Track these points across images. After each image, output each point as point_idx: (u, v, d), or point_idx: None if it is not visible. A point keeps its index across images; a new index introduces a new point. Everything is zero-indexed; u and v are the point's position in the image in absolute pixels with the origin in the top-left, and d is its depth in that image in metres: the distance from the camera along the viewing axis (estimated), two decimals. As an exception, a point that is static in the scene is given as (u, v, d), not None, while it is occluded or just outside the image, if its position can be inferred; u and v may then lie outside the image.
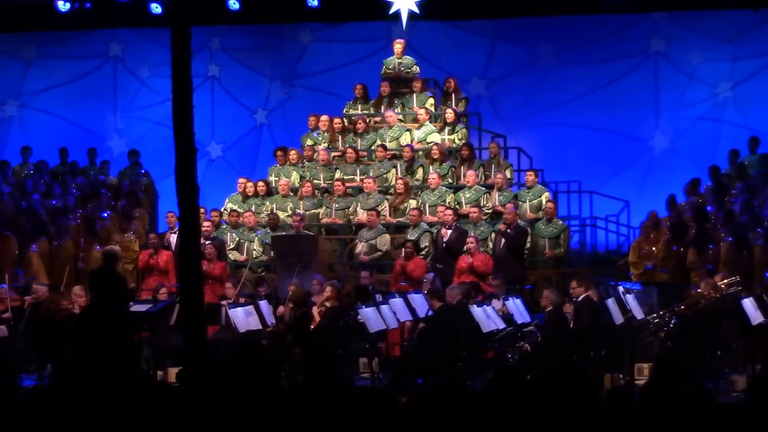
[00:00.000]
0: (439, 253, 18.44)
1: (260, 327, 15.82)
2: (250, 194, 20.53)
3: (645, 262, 18.84)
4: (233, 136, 25.31)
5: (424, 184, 20.19)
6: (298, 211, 19.78)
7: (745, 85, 23.34)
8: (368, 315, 15.12)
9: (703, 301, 15.99)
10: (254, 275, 18.80)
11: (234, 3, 23.65)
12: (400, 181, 19.91)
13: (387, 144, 20.92)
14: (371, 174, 20.31)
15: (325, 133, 21.54)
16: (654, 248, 18.90)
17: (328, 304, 16.24)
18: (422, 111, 21.22)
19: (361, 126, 21.37)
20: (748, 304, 15.30)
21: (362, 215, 19.62)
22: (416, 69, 22.11)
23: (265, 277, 18.60)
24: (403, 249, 18.16)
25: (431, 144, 20.77)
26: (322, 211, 20.23)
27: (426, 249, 18.89)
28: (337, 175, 20.62)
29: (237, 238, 19.64)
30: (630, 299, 16.03)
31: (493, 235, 18.68)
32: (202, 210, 18.93)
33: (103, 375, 4.83)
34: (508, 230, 18.27)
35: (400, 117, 21.52)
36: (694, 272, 17.71)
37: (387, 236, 19.21)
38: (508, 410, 5.87)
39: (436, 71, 22.99)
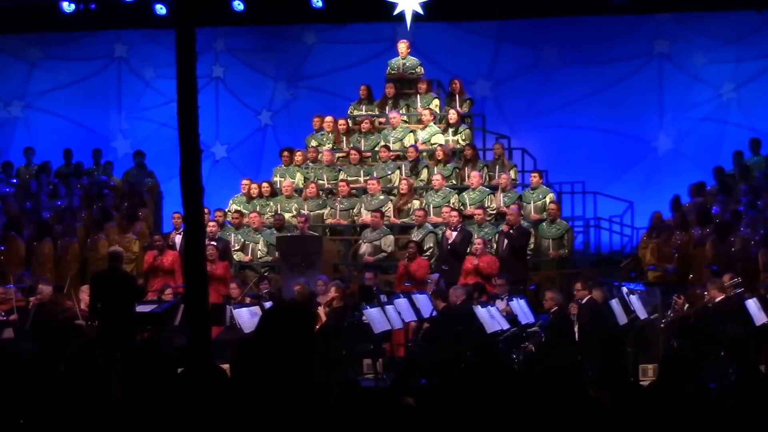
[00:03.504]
0: (444, 254, 18.45)
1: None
2: (254, 195, 20.56)
3: (666, 264, 18.64)
4: (238, 137, 25.34)
5: (428, 185, 20.21)
6: (302, 211, 19.81)
7: (748, 86, 23.35)
8: (373, 316, 15.16)
9: (706, 302, 16.00)
10: (256, 274, 18.85)
11: (238, 4, 23.71)
12: (403, 182, 19.95)
13: (390, 145, 20.95)
14: (375, 175, 20.33)
15: (330, 134, 21.56)
16: (675, 250, 18.61)
17: (333, 305, 16.26)
18: (426, 112, 21.22)
19: (365, 127, 21.39)
20: (753, 304, 15.32)
21: (366, 216, 19.65)
22: (421, 70, 22.13)
23: (268, 276, 18.62)
24: (406, 250, 18.18)
25: (435, 145, 20.78)
26: (326, 211, 20.25)
27: (430, 250, 18.91)
28: (341, 176, 20.64)
29: (242, 239, 19.66)
30: (634, 300, 16.05)
31: (497, 236, 18.69)
32: (206, 210, 19.00)
33: (284, 379, 4.81)
34: (511, 231, 18.28)
35: (404, 118, 21.54)
36: (765, 273, 17.29)
37: (391, 237, 19.23)
38: (510, 411, 5.89)
39: (440, 72, 23.01)
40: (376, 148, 21.10)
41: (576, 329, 15.66)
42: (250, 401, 4.72)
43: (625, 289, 16.61)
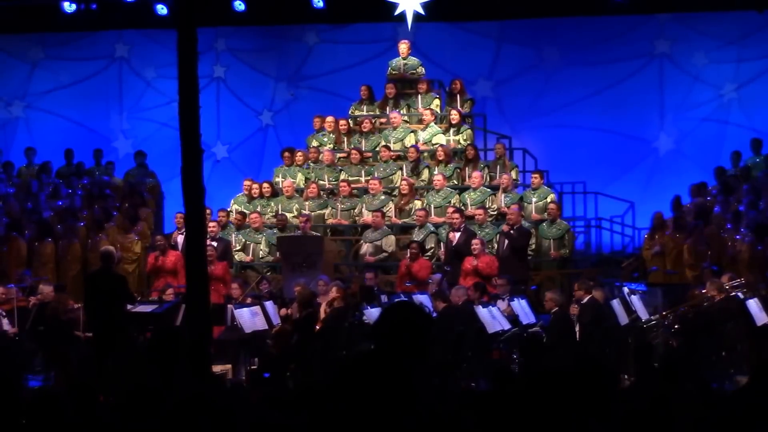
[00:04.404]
0: (448, 255, 18.44)
1: (266, 327, 15.91)
2: (255, 195, 20.56)
3: (701, 263, 18.50)
4: (239, 137, 25.35)
5: (430, 186, 20.21)
6: (303, 212, 19.81)
7: (749, 86, 23.35)
8: (374, 316, 15.15)
9: (707, 302, 16.00)
10: (258, 275, 18.85)
11: (239, 4, 23.71)
12: (404, 182, 19.94)
13: (391, 145, 20.94)
14: (376, 175, 20.33)
15: (331, 134, 21.57)
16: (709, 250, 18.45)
17: (334, 305, 16.26)
18: (427, 112, 21.22)
19: (366, 127, 21.39)
20: (753, 305, 15.32)
21: (367, 216, 19.65)
22: (422, 70, 22.12)
23: (267, 276, 18.64)
24: (408, 250, 18.17)
25: (436, 145, 20.78)
26: (327, 212, 20.25)
27: (431, 250, 18.91)
28: (342, 176, 20.64)
29: (243, 239, 19.66)
30: (635, 300, 16.06)
31: (498, 236, 18.67)
32: (208, 211, 18.99)
33: (393, 372, 4.82)
34: (511, 231, 18.28)
35: (405, 118, 21.54)
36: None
37: (392, 237, 19.23)
38: (510, 411, 5.90)
39: (441, 72, 22.99)
40: (377, 149, 21.10)
41: (577, 329, 15.66)
42: (359, 392, 4.73)
43: (626, 290, 16.62)
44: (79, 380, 13.84)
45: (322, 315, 16.27)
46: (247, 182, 20.82)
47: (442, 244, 18.87)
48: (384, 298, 16.41)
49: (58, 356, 15.76)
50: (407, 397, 4.75)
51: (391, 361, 4.82)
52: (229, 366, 16.10)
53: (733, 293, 15.93)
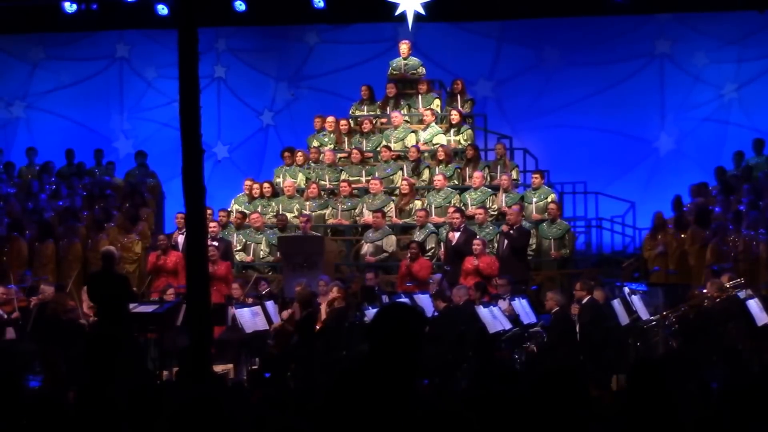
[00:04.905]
0: (448, 255, 18.44)
1: (267, 327, 15.93)
2: (255, 195, 20.56)
3: (722, 264, 18.38)
4: (239, 138, 25.36)
5: (430, 186, 20.22)
6: (304, 212, 19.82)
7: (750, 86, 23.35)
8: (374, 316, 15.12)
9: (707, 302, 16.00)
10: (257, 275, 18.85)
11: (240, 4, 23.72)
12: (404, 182, 19.95)
13: (392, 145, 20.95)
14: (377, 175, 20.34)
15: (331, 134, 21.58)
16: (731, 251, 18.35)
17: (335, 305, 16.26)
18: (428, 112, 21.22)
19: (367, 127, 21.40)
20: (754, 305, 15.32)
21: (368, 216, 19.65)
22: (422, 70, 22.13)
23: (265, 277, 18.65)
24: (408, 250, 18.17)
25: (437, 145, 20.78)
26: (328, 212, 20.26)
27: (432, 250, 18.91)
28: (343, 176, 20.65)
29: (243, 240, 19.67)
30: (635, 300, 16.07)
31: (498, 236, 18.67)
32: (209, 211, 18.99)
33: (388, 374, 4.83)
34: (511, 231, 18.27)
35: (406, 118, 21.55)
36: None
37: (393, 237, 19.23)
38: (509, 412, 5.90)
39: (441, 72, 23.00)
40: (378, 149, 21.10)
41: (578, 329, 15.66)
42: (357, 396, 4.73)
43: (626, 290, 16.63)
44: (71, 382, 13.88)
45: (323, 315, 16.28)
46: (247, 182, 20.83)
47: (442, 244, 18.87)
48: (385, 299, 16.41)
49: (49, 357, 15.76)
50: (405, 398, 4.76)
51: (386, 362, 4.83)
52: (230, 366, 16.10)
53: (733, 293, 15.92)
